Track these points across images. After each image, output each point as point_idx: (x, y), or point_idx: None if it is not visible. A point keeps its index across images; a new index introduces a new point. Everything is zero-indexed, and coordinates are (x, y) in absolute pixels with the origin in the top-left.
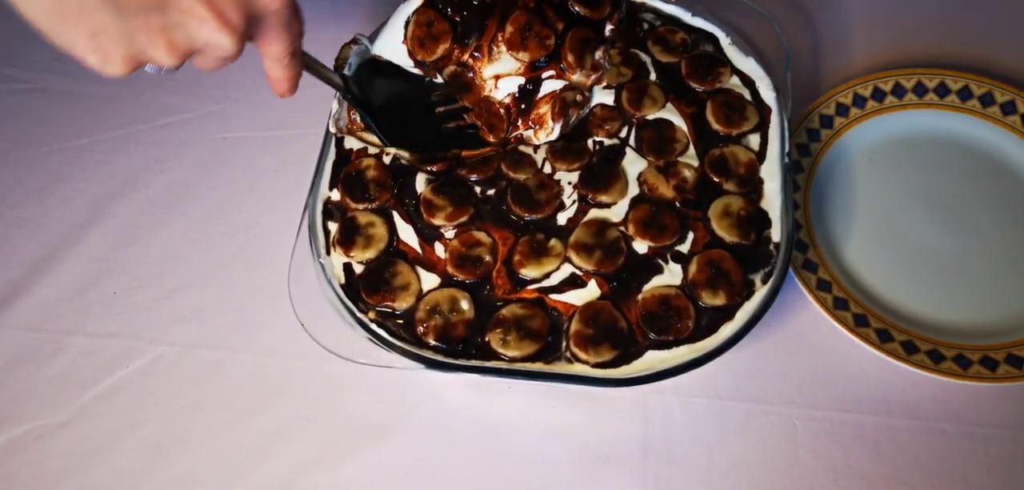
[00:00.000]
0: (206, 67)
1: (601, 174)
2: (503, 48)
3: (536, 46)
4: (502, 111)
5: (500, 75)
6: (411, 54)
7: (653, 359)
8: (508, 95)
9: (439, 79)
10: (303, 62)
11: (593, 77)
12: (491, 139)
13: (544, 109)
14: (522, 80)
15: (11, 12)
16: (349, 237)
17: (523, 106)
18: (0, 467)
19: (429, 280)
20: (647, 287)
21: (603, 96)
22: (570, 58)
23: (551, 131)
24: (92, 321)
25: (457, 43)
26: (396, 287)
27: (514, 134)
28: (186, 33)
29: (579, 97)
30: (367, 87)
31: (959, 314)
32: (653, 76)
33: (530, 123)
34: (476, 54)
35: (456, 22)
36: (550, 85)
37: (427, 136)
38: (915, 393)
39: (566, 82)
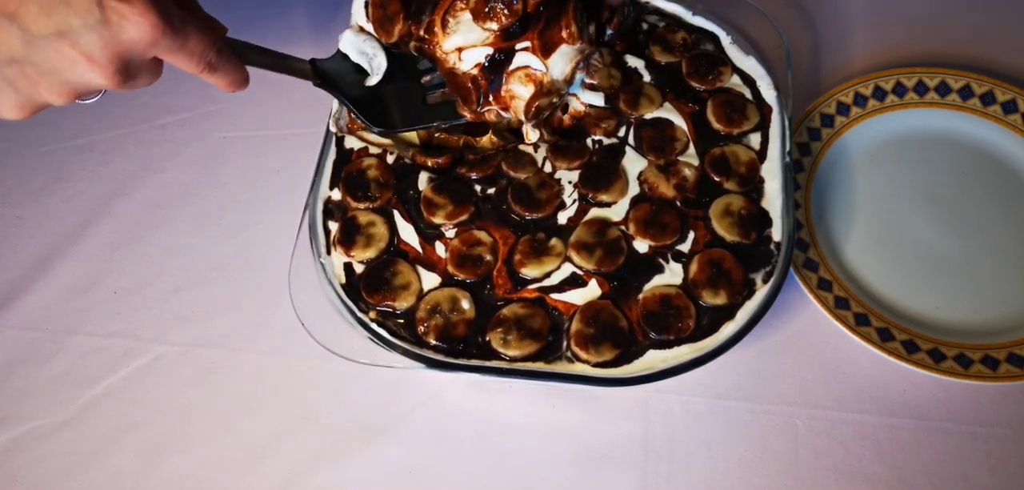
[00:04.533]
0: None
1: (601, 173)
2: (463, 18)
3: (502, 13)
4: (470, 84)
5: (463, 47)
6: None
7: (654, 358)
8: (475, 66)
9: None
10: (237, 60)
11: (570, 68)
12: (466, 113)
13: (516, 86)
14: (490, 51)
15: None
16: (350, 237)
17: (492, 78)
18: (0, 467)
19: (430, 279)
20: (648, 286)
21: (594, 99)
22: (573, 28)
23: (523, 124)
24: (92, 321)
25: (411, 20)
26: (397, 287)
27: (485, 109)
28: (62, 77)
29: (556, 99)
30: (350, 70)
31: (960, 313)
32: (648, 79)
33: (502, 99)
34: (429, 30)
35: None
36: (524, 58)
37: (415, 111)
38: (916, 392)
39: (541, 64)
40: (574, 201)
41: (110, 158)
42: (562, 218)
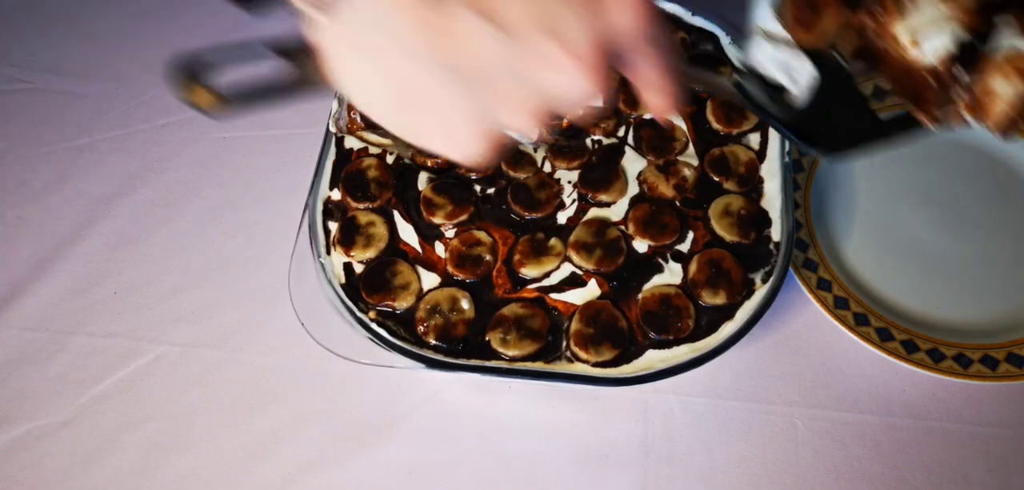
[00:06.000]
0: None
1: (601, 173)
2: None
3: None
4: (930, 80)
5: (921, 29)
6: None
7: (653, 358)
8: (939, 56)
9: None
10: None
11: None
12: (924, 119)
13: (997, 83)
14: (960, 31)
15: (10, 12)
16: (349, 236)
17: (962, 72)
18: (0, 467)
19: (429, 279)
20: (647, 286)
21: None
22: None
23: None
24: (92, 321)
25: (848, 6)
26: (396, 286)
27: (949, 113)
28: (536, 88)
29: None
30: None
31: (959, 313)
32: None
33: (973, 101)
34: (878, 11)
35: None
36: (1010, 38)
37: (863, 127)
38: (916, 392)
39: None
40: (573, 201)
41: (110, 158)
42: (562, 218)
